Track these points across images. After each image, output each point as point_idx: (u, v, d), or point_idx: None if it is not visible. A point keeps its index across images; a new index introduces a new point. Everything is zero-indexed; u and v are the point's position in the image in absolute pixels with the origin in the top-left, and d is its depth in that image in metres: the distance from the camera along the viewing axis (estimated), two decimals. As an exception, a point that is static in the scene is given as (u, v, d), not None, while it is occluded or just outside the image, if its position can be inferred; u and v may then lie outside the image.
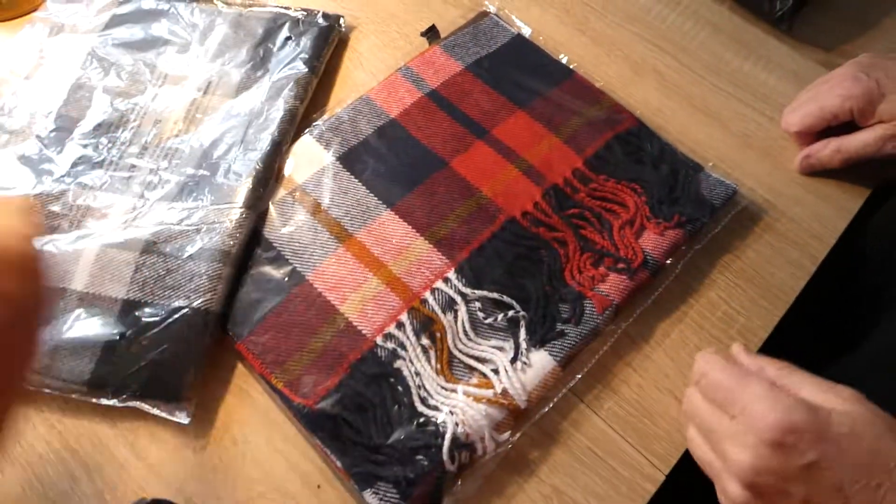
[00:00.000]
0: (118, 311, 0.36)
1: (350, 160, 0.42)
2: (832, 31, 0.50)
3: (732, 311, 0.39)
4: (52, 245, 0.39)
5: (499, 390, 0.34)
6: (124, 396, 0.34)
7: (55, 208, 0.40)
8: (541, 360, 0.35)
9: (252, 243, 0.39)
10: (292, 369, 0.35)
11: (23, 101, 0.45)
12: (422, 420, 0.34)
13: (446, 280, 0.38)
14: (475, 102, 0.45)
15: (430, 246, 0.39)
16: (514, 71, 0.46)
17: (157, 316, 0.36)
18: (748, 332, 0.38)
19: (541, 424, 0.35)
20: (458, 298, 0.37)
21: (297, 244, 0.39)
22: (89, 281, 0.37)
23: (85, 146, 0.43)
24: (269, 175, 0.41)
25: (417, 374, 0.35)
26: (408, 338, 0.36)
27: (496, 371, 0.35)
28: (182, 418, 0.34)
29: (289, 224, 0.40)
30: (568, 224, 0.40)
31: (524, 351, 0.35)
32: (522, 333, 0.36)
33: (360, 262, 0.39)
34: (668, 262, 0.39)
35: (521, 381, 0.34)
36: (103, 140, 0.43)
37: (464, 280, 0.38)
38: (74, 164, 0.42)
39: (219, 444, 0.35)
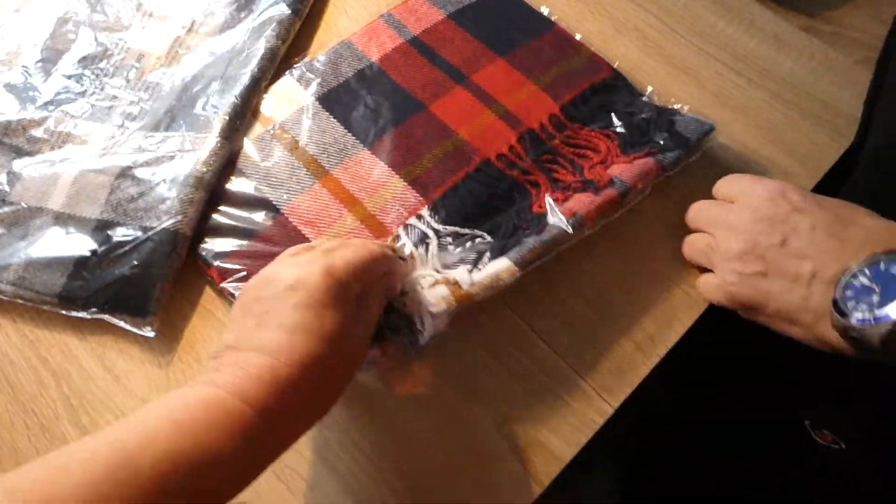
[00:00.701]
0: (91, 229, 0.37)
1: (329, 101, 0.43)
2: (817, -4, 0.50)
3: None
4: (33, 168, 0.40)
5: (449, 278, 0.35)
6: (94, 310, 0.35)
7: (37, 133, 0.41)
8: (497, 262, 0.36)
9: (227, 175, 0.40)
10: None
11: (10, 33, 0.46)
12: None
13: (419, 217, 0.39)
14: (456, 49, 0.45)
15: (405, 184, 0.40)
16: (496, 21, 0.47)
17: (128, 235, 0.37)
18: (708, 281, 0.39)
19: (497, 354, 0.36)
20: (430, 233, 0.38)
21: (273, 178, 0.40)
22: (66, 202, 0.38)
23: (69, 77, 0.44)
24: (246, 109, 0.42)
25: None
26: None
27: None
28: (147, 332, 0.35)
29: (266, 160, 0.41)
30: (541, 168, 0.41)
31: (485, 261, 0.36)
32: (486, 258, 0.37)
33: (336, 199, 0.39)
34: (640, 186, 0.39)
35: (472, 276, 0.35)
36: (87, 72, 0.44)
37: (437, 217, 0.39)
38: (58, 94, 0.43)
39: (183, 360, 0.36)
